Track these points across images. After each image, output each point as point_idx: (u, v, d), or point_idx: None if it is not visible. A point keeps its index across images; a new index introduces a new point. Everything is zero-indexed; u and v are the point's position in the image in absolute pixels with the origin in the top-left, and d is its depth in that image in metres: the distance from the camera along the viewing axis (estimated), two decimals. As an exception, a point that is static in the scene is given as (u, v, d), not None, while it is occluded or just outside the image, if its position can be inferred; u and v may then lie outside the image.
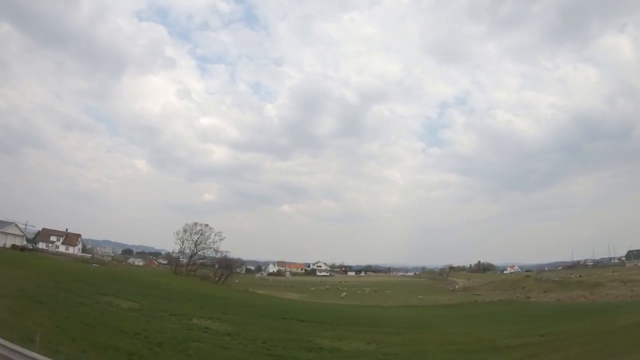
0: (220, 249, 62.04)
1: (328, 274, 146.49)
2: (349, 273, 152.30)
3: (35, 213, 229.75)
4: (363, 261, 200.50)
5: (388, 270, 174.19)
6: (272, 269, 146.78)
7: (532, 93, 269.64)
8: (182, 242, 61.02)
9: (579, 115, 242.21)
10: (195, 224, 61.11)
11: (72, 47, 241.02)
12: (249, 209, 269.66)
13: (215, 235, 60.93)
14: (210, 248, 60.79)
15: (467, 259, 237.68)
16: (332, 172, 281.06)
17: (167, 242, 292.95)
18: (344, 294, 69.68)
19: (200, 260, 62.00)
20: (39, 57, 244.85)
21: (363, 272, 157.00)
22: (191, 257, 60.58)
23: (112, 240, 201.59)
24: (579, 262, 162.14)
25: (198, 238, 60.14)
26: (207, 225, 61.52)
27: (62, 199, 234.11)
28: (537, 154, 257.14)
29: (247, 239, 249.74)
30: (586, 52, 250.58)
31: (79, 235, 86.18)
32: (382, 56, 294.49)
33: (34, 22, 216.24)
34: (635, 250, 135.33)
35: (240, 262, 78.82)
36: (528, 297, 60.76)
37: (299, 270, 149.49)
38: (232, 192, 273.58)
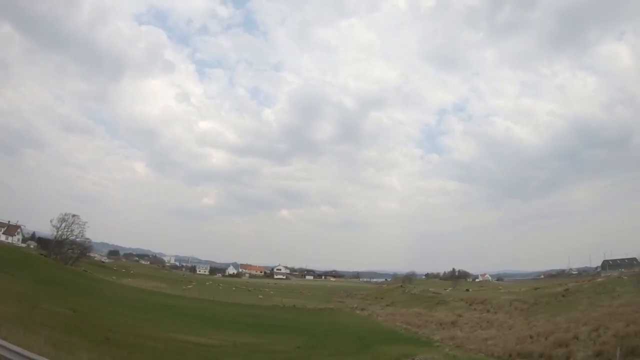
0: (86, 236, 71.05)
1: (284, 277, 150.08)
2: (308, 277, 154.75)
3: (35, 214, 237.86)
4: (362, 267, 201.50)
5: (357, 275, 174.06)
6: (231, 270, 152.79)
7: (531, 100, 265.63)
8: (57, 230, 69.75)
9: (577, 122, 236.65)
10: (66, 214, 70.01)
11: (73, 50, 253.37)
12: (247, 213, 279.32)
13: (83, 224, 69.72)
14: (77, 235, 69.26)
15: (465, 266, 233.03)
16: (331, 178, 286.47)
17: (166, 246, 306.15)
18: (190, 286, 75.07)
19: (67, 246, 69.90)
20: (39, 59, 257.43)
21: (323, 277, 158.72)
22: (61, 242, 68.87)
23: (109, 243, 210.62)
24: (563, 270, 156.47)
25: (67, 226, 68.70)
26: (76, 215, 70.33)
27: (61, 200, 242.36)
28: (536, 162, 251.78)
29: (246, 243, 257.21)
30: (585, 59, 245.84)
31: (18, 227, 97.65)
32: (381, 63, 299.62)
33: (34, 24, 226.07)
34: (611, 260, 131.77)
35: (91, 248, 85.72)
36: (355, 308, 61.16)
37: (259, 273, 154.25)
38: (230, 196, 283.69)
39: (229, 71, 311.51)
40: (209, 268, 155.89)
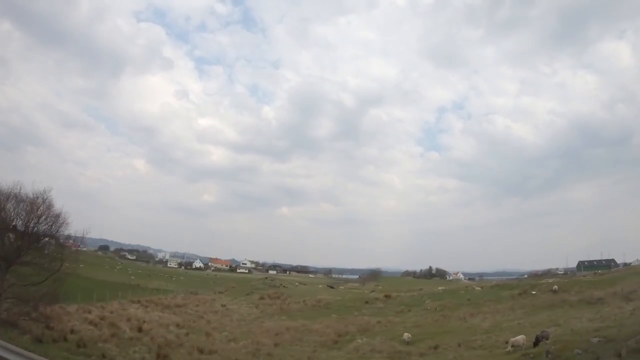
0: None
1: (247, 271, 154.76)
2: (271, 272, 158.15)
3: None
4: (363, 264, 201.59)
5: (329, 272, 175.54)
6: (198, 264, 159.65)
7: (531, 99, 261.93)
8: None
9: (578, 121, 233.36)
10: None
11: (72, 47, 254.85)
12: (248, 210, 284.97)
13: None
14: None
15: (465, 264, 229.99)
16: (331, 175, 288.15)
17: (166, 243, 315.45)
18: (81, 266, 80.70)
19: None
20: (39, 56, 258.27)
21: (288, 272, 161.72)
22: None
23: (109, 239, 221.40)
24: (549, 270, 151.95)
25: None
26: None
27: (61, 197, 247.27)
28: (536, 160, 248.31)
29: (245, 240, 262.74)
30: (585, 57, 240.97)
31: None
32: (379, 60, 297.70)
33: (34, 21, 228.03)
34: (587, 261, 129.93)
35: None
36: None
37: (224, 267, 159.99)
38: (230, 193, 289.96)
39: (228, 68, 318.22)
40: (177, 261, 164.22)
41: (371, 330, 30.16)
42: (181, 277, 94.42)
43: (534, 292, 44.05)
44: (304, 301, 46.29)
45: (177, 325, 29.64)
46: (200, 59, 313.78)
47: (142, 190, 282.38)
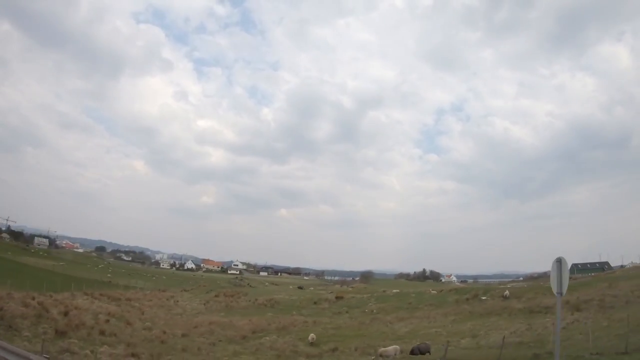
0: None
1: (238, 272, 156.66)
2: (262, 273, 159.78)
3: (34, 211, 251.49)
4: (361, 266, 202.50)
5: (322, 273, 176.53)
6: (189, 265, 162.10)
7: (529, 101, 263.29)
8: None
9: (576, 123, 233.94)
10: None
11: (71, 48, 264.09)
12: (246, 212, 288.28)
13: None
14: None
15: (463, 266, 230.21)
16: (330, 177, 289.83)
17: (165, 244, 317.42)
18: (62, 263, 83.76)
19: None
20: (38, 57, 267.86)
21: (280, 273, 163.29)
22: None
23: (107, 240, 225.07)
24: (546, 272, 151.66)
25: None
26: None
27: (61, 198, 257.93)
28: (534, 162, 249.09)
29: (245, 242, 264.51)
30: (583, 60, 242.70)
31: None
32: (378, 62, 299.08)
33: (33, 22, 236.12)
34: (580, 264, 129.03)
35: None
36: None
37: (215, 268, 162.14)
38: (229, 195, 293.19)
39: (227, 70, 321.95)
40: (169, 262, 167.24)
41: (289, 330, 30.98)
42: (163, 277, 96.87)
43: (484, 298, 43.08)
44: (255, 300, 47.70)
45: (109, 314, 31.19)
46: (200, 61, 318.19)
47: (141, 191, 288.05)
